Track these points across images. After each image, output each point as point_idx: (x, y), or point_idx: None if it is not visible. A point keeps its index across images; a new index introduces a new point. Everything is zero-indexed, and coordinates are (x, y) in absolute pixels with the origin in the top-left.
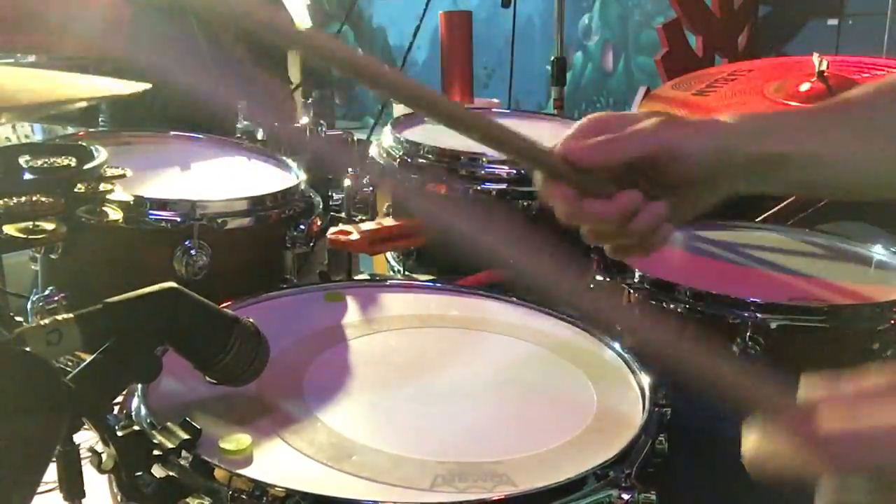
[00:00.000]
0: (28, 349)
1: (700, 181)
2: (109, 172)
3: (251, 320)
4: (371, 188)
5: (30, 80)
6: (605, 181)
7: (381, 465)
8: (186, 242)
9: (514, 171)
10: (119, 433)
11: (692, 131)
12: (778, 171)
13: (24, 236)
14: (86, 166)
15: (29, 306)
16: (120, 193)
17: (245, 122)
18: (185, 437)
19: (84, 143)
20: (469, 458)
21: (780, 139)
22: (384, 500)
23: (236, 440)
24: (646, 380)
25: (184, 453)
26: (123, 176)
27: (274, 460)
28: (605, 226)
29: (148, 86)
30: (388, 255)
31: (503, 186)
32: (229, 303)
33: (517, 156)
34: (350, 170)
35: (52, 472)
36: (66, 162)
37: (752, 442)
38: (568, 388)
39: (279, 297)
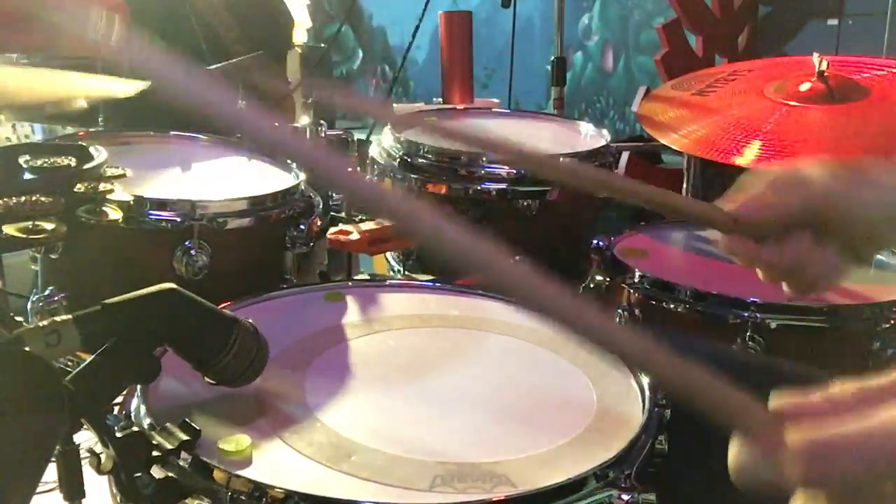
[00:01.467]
0: (28, 349)
1: (873, 230)
2: (109, 172)
3: (251, 320)
4: None
5: (30, 80)
6: (779, 227)
7: (380, 466)
8: (186, 242)
9: (514, 171)
10: (118, 434)
11: (859, 187)
12: None
13: (24, 236)
14: (86, 166)
15: (29, 306)
16: (120, 193)
17: None
18: (185, 437)
19: (84, 143)
20: (468, 459)
21: None
22: (384, 501)
23: (236, 441)
24: (646, 380)
25: (183, 454)
26: (123, 176)
27: (273, 461)
28: (779, 269)
29: (146, 84)
30: (388, 255)
31: (503, 186)
32: (229, 303)
33: (694, 219)
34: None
35: (52, 472)
36: (66, 162)
37: (732, 455)
38: (568, 388)
39: (279, 297)
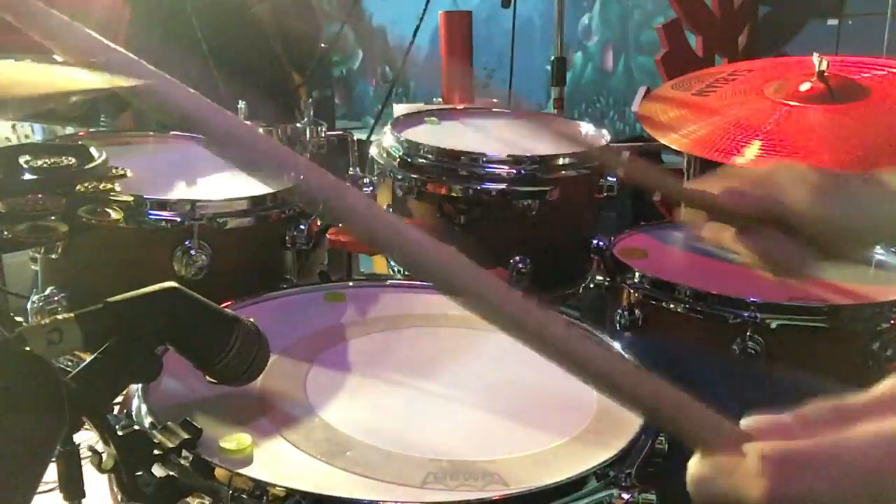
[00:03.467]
0: (28, 349)
1: (837, 240)
2: (109, 172)
3: (251, 320)
4: (371, 188)
5: (27, 74)
6: (752, 220)
7: (374, 462)
8: (186, 242)
9: (514, 171)
10: (119, 433)
11: (827, 199)
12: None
13: (24, 236)
14: (86, 166)
15: (29, 306)
16: (120, 193)
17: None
18: (186, 436)
19: (84, 143)
20: (463, 457)
21: None
22: (384, 500)
23: (236, 440)
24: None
25: (184, 453)
26: (123, 176)
27: (274, 459)
28: (752, 254)
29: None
30: None
31: (503, 186)
32: (229, 303)
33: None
34: (350, 170)
35: (52, 472)
36: (66, 162)
37: (693, 469)
38: (568, 388)
39: (279, 297)
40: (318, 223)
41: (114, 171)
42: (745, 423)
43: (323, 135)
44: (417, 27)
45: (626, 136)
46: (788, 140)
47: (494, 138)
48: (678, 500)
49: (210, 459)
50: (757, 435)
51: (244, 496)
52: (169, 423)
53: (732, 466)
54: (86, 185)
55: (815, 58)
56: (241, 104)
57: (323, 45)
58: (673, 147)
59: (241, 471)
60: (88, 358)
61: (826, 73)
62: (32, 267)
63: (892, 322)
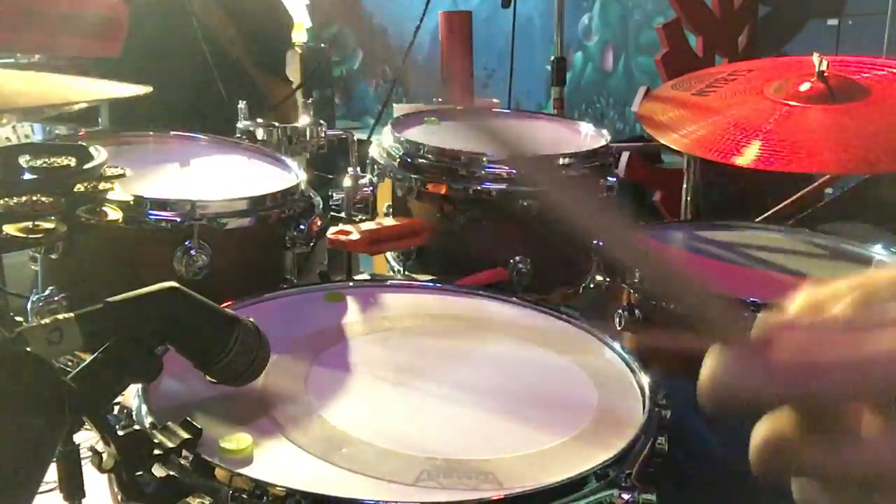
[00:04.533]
0: (28, 349)
1: None
2: (109, 172)
3: (251, 320)
4: (371, 188)
5: (28, 83)
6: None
7: (369, 459)
8: (186, 242)
9: (514, 171)
10: (119, 433)
11: None
12: None
13: (24, 236)
14: (86, 166)
15: (29, 306)
16: (120, 193)
17: (245, 122)
18: (186, 436)
19: (84, 143)
20: (458, 456)
21: None
22: (384, 500)
23: (237, 440)
24: (646, 380)
25: (184, 453)
26: (123, 176)
27: (274, 459)
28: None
29: (148, 89)
30: (388, 255)
31: (503, 186)
32: (229, 303)
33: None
34: (350, 169)
35: (52, 472)
36: (65, 162)
37: (706, 369)
38: (568, 388)
39: (279, 297)
40: (319, 223)
41: (113, 170)
42: (759, 322)
43: (323, 135)
44: (417, 27)
45: (626, 136)
46: (788, 140)
47: None
48: (678, 500)
49: (210, 459)
50: (777, 335)
51: (244, 496)
52: (169, 423)
53: (754, 364)
54: (85, 184)
55: (815, 58)
56: (242, 104)
57: (323, 45)
58: (673, 147)
59: (241, 471)
60: (88, 358)
61: (826, 73)
62: (32, 267)
63: None
